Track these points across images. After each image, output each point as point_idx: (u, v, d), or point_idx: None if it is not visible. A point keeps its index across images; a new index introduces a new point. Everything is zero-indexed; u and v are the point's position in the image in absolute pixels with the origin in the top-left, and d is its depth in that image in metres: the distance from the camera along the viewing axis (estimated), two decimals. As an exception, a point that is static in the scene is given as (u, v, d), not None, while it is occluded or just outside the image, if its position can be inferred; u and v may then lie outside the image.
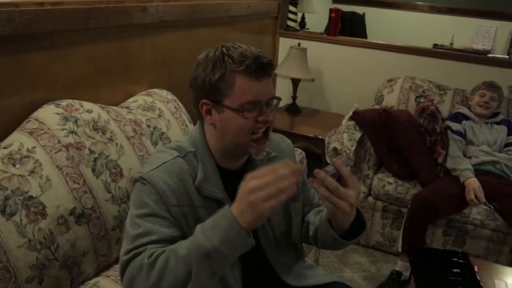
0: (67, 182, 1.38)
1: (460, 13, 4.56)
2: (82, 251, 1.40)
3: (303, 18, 3.68)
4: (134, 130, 1.67)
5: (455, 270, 1.72)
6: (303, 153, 2.18)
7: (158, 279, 0.95)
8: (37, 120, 1.44)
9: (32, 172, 1.32)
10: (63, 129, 1.44)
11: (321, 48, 3.33)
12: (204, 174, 1.12)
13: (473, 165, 2.42)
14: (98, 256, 1.46)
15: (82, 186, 1.41)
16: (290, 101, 3.31)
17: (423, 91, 2.89)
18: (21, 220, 1.24)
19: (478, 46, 4.35)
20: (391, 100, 2.96)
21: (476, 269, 1.71)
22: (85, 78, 1.73)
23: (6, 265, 1.19)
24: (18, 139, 1.37)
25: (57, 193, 1.34)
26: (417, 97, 2.83)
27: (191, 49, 2.28)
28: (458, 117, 2.63)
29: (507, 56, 3.39)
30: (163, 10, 2.00)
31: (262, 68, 1.06)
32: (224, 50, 1.07)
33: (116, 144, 1.57)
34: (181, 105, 2.00)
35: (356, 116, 2.61)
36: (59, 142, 1.41)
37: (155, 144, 1.73)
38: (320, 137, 2.76)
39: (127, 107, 1.79)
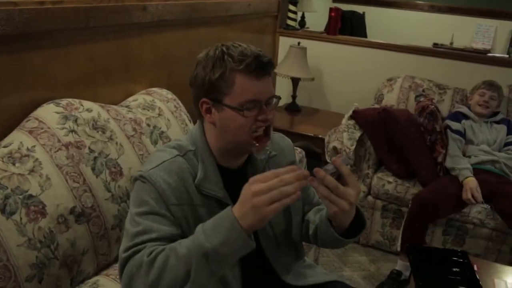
0: (67, 181, 1.38)
1: (460, 12, 4.55)
2: (82, 250, 1.40)
3: (303, 17, 3.68)
4: (134, 129, 1.67)
5: (454, 269, 1.72)
6: (303, 152, 2.18)
7: (158, 277, 0.95)
8: (37, 119, 1.44)
9: (32, 171, 1.32)
10: (63, 128, 1.45)
11: (321, 47, 3.33)
12: (204, 173, 1.12)
13: (472, 164, 2.42)
14: (98, 255, 1.46)
15: (82, 185, 1.41)
16: (290, 100, 3.31)
17: (423, 90, 2.89)
18: (21, 219, 1.24)
19: (478, 45, 4.35)
20: (391, 99, 2.96)
21: (475, 268, 1.71)
22: (85, 77, 1.73)
23: (6, 264, 1.19)
24: (18, 138, 1.37)
25: (57, 192, 1.34)
26: (417, 96, 2.83)
27: (191, 48, 2.28)
28: (457, 116, 2.63)
29: (507, 56, 3.39)
30: (163, 9, 2.00)
31: (262, 67, 1.06)
32: (224, 49, 1.07)
33: (116, 143, 1.57)
34: (181, 104, 2.00)
35: (356, 115, 2.61)
36: (59, 141, 1.41)
37: (155, 143, 1.73)
38: (320, 136, 2.76)
39: (127, 106, 1.79)
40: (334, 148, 2.47)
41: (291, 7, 3.41)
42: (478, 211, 2.34)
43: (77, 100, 1.57)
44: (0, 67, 1.40)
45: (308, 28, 3.60)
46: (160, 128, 1.79)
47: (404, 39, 3.52)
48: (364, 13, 4.74)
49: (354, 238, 1.17)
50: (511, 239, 2.31)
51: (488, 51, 4.02)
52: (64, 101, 1.53)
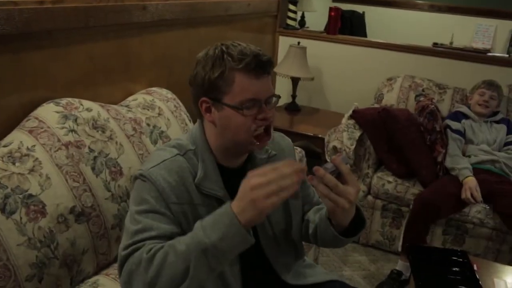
0: (66, 180, 1.38)
1: (460, 12, 4.55)
2: (82, 249, 1.40)
3: (302, 16, 3.68)
4: (134, 129, 1.67)
5: (454, 269, 1.72)
6: (303, 152, 2.18)
7: (156, 274, 0.95)
8: (36, 118, 1.44)
9: (32, 170, 1.32)
10: (62, 128, 1.45)
11: (320, 46, 3.33)
12: (204, 172, 1.12)
13: (472, 164, 2.43)
14: (97, 254, 1.47)
15: (81, 185, 1.41)
16: (290, 100, 3.31)
17: (423, 90, 2.89)
18: (21, 218, 1.24)
19: (478, 45, 4.35)
20: (390, 99, 2.96)
21: (475, 267, 1.71)
22: (85, 77, 1.73)
23: (6, 263, 1.19)
24: (18, 138, 1.37)
25: (57, 191, 1.34)
26: (416, 96, 2.83)
27: (190, 47, 2.29)
28: (457, 116, 2.64)
29: (507, 55, 3.39)
30: (163, 8, 2.00)
31: (262, 66, 1.06)
32: (224, 48, 1.07)
33: (116, 142, 1.57)
34: (180, 103, 2.00)
35: (356, 115, 2.61)
36: (58, 140, 1.41)
37: (154, 142, 1.73)
38: (319, 136, 2.76)
39: (126, 106, 1.79)
40: (334, 147, 2.47)
41: (291, 7, 3.41)
42: (478, 211, 2.34)
43: (77, 100, 1.57)
44: (0, 66, 1.41)
45: (308, 27, 3.60)
46: (160, 128, 1.79)
47: (404, 38, 3.52)
48: (364, 12, 4.74)
49: (354, 237, 1.17)
50: (511, 239, 2.31)
51: (488, 51, 4.01)
52: (64, 101, 1.53)
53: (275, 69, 3.14)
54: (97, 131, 1.53)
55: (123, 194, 1.53)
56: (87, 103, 1.58)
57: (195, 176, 1.11)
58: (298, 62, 3.08)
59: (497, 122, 2.61)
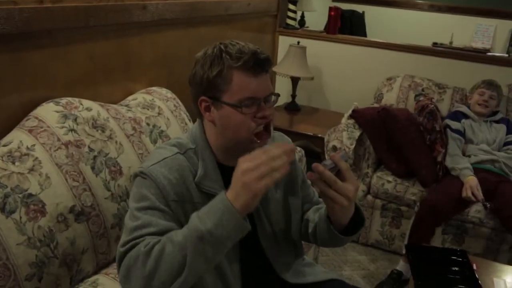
0: (66, 180, 1.38)
1: (459, 12, 4.55)
2: (82, 249, 1.40)
3: (302, 16, 3.67)
4: (134, 128, 1.67)
5: (454, 268, 1.72)
6: (302, 151, 2.18)
7: (155, 266, 0.95)
8: (36, 118, 1.44)
9: (31, 169, 1.32)
10: (62, 127, 1.45)
11: (320, 46, 3.33)
12: (204, 171, 1.12)
13: (472, 164, 2.43)
14: (97, 254, 1.47)
15: (81, 184, 1.41)
16: (290, 99, 3.31)
17: (423, 90, 2.89)
18: (20, 217, 1.24)
19: (478, 44, 4.35)
20: (390, 98, 2.96)
21: (475, 267, 1.71)
22: (85, 76, 1.73)
23: (5, 262, 1.19)
24: (17, 137, 1.37)
25: (57, 191, 1.35)
26: (416, 96, 2.83)
27: (190, 47, 2.29)
28: (457, 116, 2.64)
29: (507, 55, 3.38)
30: (163, 8, 2.00)
31: (260, 64, 1.06)
32: (222, 47, 1.08)
33: (116, 142, 1.57)
34: (180, 103, 2.00)
35: (356, 115, 2.61)
36: (58, 140, 1.41)
37: (154, 142, 1.73)
38: (319, 135, 2.76)
39: (126, 105, 1.79)
40: (334, 147, 2.47)
41: (291, 6, 3.41)
42: (477, 211, 2.34)
43: (77, 99, 1.57)
44: (0, 66, 1.41)
45: (307, 27, 3.60)
46: (159, 127, 1.79)
47: (404, 38, 3.52)
48: (363, 12, 4.74)
49: (353, 235, 1.17)
50: (510, 238, 2.31)
51: (488, 51, 4.01)
52: (63, 100, 1.53)
53: (275, 69, 3.14)
54: (97, 131, 1.53)
55: (123, 193, 1.53)
56: (87, 103, 1.58)
57: (195, 175, 1.12)
58: (298, 61, 3.09)
59: (497, 121, 2.61)
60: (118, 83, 1.90)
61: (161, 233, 1.02)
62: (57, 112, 1.48)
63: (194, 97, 1.14)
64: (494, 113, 2.63)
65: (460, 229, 2.42)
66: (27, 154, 1.33)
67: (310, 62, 3.15)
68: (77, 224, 1.38)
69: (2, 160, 1.28)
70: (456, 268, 1.72)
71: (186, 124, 1.95)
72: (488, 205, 2.28)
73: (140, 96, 1.87)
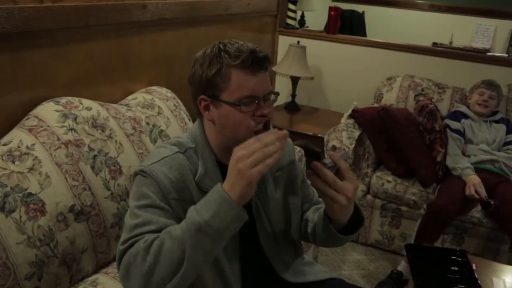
0: (66, 179, 1.38)
1: (459, 12, 4.55)
2: (81, 248, 1.40)
3: (302, 16, 3.68)
4: (134, 128, 1.67)
5: (453, 268, 1.72)
6: (302, 151, 2.18)
7: (154, 261, 0.95)
8: (36, 117, 1.44)
9: (31, 169, 1.32)
10: (62, 126, 1.45)
11: (320, 46, 3.33)
12: (204, 170, 1.12)
13: (472, 164, 2.42)
14: (97, 253, 1.47)
15: (81, 183, 1.41)
16: (289, 99, 3.31)
17: (422, 90, 2.90)
18: (20, 217, 1.24)
19: (478, 44, 4.35)
20: (390, 98, 2.96)
21: (474, 267, 1.71)
22: (85, 76, 1.73)
23: (5, 261, 1.19)
24: (17, 136, 1.37)
25: (57, 190, 1.35)
26: (416, 96, 2.83)
27: (190, 47, 2.29)
28: (457, 116, 2.64)
29: (506, 55, 3.38)
30: (163, 7, 2.00)
31: (258, 62, 1.06)
32: (221, 46, 1.08)
33: (116, 141, 1.57)
34: (180, 102, 2.00)
35: (355, 114, 2.61)
36: (58, 139, 1.42)
37: (154, 141, 1.73)
38: (319, 135, 2.76)
39: (126, 105, 1.79)
40: (334, 147, 2.48)
41: (291, 6, 3.41)
42: (477, 210, 2.35)
43: (77, 99, 1.57)
44: (0, 65, 1.41)
45: (307, 27, 3.60)
46: (159, 127, 1.79)
47: (404, 38, 3.52)
48: (363, 12, 4.74)
49: (353, 235, 1.17)
50: (510, 238, 2.31)
51: (488, 51, 4.02)
52: (63, 100, 1.53)
53: (275, 68, 3.14)
54: (97, 130, 1.53)
55: (123, 193, 1.53)
56: (86, 102, 1.58)
57: (195, 174, 1.12)
58: (297, 61, 3.09)
59: (497, 121, 2.61)
60: (118, 83, 1.90)
61: (162, 231, 1.02)
62: (57, 111, 1.48)
63: (193, 97, 1.14)
64: (494, 113, 2.63)
65: (460, 229, 2.42)
66: (27, 154, 1.34)
67: (310, 62, 3.15)
68: (77, 223, 1.39)
69: (2, 159, 1.29)
70: (456, 268, 1.72)
71: (186, 123, 1.95)
72: (493, 202, 2.27)
73: (140, 96, 1.87)
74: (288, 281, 1.28)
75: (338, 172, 1.04)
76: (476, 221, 2.36)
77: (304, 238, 1.33)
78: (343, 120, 2.61)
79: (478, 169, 2.40)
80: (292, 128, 2.89)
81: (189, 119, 1.99)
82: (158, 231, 1.01)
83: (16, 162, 1.30)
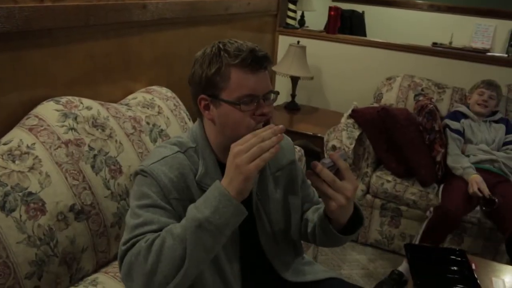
0: (66, 178, 1.38)
1: (459, 12, 4.56)
2: (81, 247, 1.41)
3: (302, 16, 3.68)
4: (134, 127, 1.67)
5: (453, 268, 1.72)
6: (302, 151, 2.18)
7: (156, 260, 0.95)
8: (36, 116, 1.45)
9: (31, 168, 1.32)
10: (62, 126, 1.45)
11: (320, 46, 3.34)
12: (205, 169, 1.13)
13: (471, 164, 2.43)
14: (97, 252, 1.47)
15: (81, 183, 1.42)
16: (289, 99, 3.31)
17: (422, 90, 2.90)
18: (20, 216, 1.25)
19: (477, 44, 4.35)
20: (390, 98, 2.96)
21: (473, 267, 1.72)
22: (85, 75, 1.73)
23: (5, 260, 1.19)
24: (17, 136, 1.37)
25: (57, 189, 1.35)
26: (416, 95, 2.84)
27: (190, 46, 2.29)
28: (456, 116, 2.64)
29: (506, 55, 3.38)
30: (163, 7, 2.00)
31: (258, 61, 1.06)
32: (221, 46, 1.08)
33: (116, 141, 1.57)
34: (180, 102, 2.00)
35: (355, 114, 2.61)
36: (58, 138, 1.42)
37: (154, 141, 1.73)
38: (319, 135, 2.77)
39: (126, 104, 1.79)
40: (333, 146, 2.48)
41: (291, 6, 3.41)
42: (476, 210, 2.35)
43: (77, 98, 1.57)
44: (0, 65, 1.41)
45: (307, 27, 3.60)
46: (159, 126, 1.79)
47: (404, 38, 3.52)
48: (363, 12, 4.75)
49: (352, 235, 1.17)
50: (505, 238, 2.31)
51: (487, 51, 4.02)
52: (64, 99, 1.53)
53: (275, 68, 3.15)
54: (97, 130, 1.53)
55: (123, 192, 1.54)
56: (87, 102, 1.58)
57: (196, 173, 1.12)
58: (297, 61, 3.09)
59: (496, 121, 2.61)
60: (118, 82, 1.90)
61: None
62: (57, 111, 1.48)
63: (193, 96, 1.14)
64: (494, 113, 2.64)
65: (459, 229, 2.42)
66: (27, 153, 1.34)
67: (310, 62, 3.15)
68: (77, 222, 1.39)
69: (2, 159, 1.29)
70: (455, 268, 1.72)
71: (186, 123, 1.95)
72: (496, 199, 2.27)
73: (140, 95, 1.88)
74: (288, 280, 1.28)
75: (337, 172, 1.04)
76: (476, 221, 2.36)
77: (304, 238, 1.33)
78: (343, 120, 2.61)
79: (478, 169, 2.41)
80: (292, 128, 2.89)
81: (189, 119, 1.99)
82: (159, 230, 1.01)
83: (17, 162, 1.30)
